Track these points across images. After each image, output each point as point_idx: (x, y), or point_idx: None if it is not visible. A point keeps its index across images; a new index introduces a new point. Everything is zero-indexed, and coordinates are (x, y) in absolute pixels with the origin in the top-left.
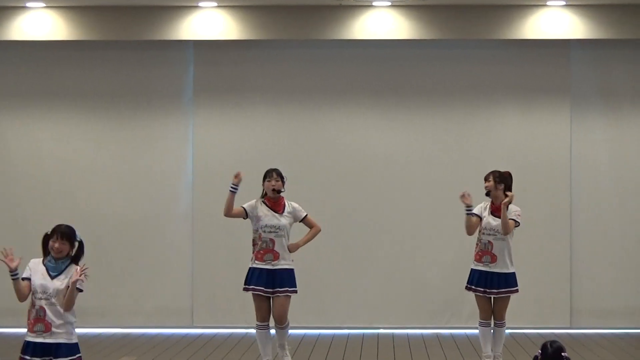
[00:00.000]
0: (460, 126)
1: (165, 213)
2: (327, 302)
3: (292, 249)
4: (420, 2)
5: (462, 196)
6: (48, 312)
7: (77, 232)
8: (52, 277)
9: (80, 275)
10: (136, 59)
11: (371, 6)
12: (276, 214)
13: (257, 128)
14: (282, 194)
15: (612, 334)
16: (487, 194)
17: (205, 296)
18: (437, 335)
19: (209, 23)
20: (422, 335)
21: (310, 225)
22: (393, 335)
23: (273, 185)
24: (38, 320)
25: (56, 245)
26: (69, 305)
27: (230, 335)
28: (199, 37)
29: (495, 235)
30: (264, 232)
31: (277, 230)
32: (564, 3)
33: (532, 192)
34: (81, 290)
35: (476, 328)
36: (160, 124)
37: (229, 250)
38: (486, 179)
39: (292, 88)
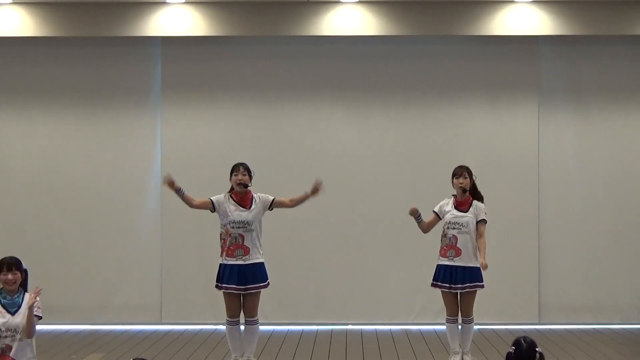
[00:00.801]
0: (429, 122)
1: (133, 209)
2: (295, 298)
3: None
4: None
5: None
6: (15, 348)
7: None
8: (13, 314)
9: (35, 298)
10: (104, 56)
11: (339, 2)
12: (244, 210)
13: (225, 124)
14: (249, 189)
15: (580, 329)
16: (464, 192)
17: (174, 292)
18: (406, 331)
19: (177, 19)
20: (390, 331)
21: (284, 203)
22: (361, 331)
23: (240, 179)
24: (4, 357)
25: (9, 276)
26: (30, 332)
27: (199, 331)
28: (167, 34)
29: (460, 229)
30: (232, 228)
31: (246, 225)
32: None
33: (501, 188)
34: (40, 317)
35: (444, 324)
36: (128, 120)
37: (197, 246)
38: (459, 175)
39: (260, 84)
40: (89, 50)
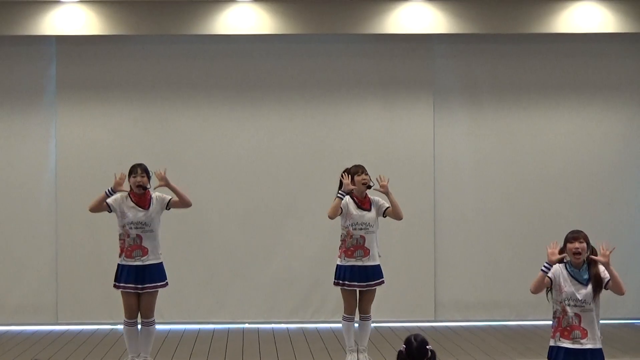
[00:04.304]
0: (324, 120)
1: (27, 209)
2: (192, 297)
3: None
4: None
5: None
6: None
7: None
8: None
9: None
10: None
11: (234, 1)
12: (142, 210)
13: (121, 124)
14: (148, 189)
15: (475, 326)
16: (368, 187)
17: (70, 292)
18: (302, 330)
19: (71, 18)
20: (287, 329)
21: (177, 203)
22: (258, 330)
23: (138, 182)
24: None
25: None
26: None
27: (96, 331)
28: (61, 33)
29: (367, 229)
30: (131, 228)
31: (144, 226)
32: None
33: (396, 186)
34: None
35: (340, 322)
36: (22, 121)
37: (93, 246)
38: (361, 172)
39: (156, 83)
40: None
